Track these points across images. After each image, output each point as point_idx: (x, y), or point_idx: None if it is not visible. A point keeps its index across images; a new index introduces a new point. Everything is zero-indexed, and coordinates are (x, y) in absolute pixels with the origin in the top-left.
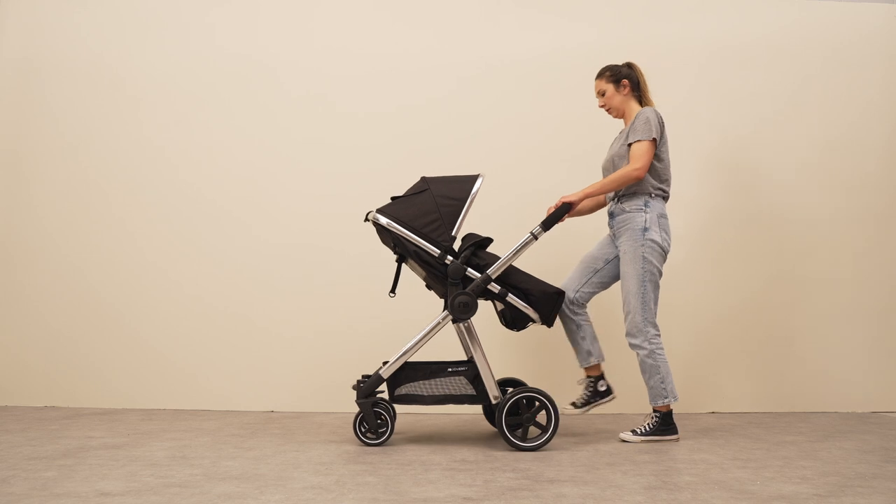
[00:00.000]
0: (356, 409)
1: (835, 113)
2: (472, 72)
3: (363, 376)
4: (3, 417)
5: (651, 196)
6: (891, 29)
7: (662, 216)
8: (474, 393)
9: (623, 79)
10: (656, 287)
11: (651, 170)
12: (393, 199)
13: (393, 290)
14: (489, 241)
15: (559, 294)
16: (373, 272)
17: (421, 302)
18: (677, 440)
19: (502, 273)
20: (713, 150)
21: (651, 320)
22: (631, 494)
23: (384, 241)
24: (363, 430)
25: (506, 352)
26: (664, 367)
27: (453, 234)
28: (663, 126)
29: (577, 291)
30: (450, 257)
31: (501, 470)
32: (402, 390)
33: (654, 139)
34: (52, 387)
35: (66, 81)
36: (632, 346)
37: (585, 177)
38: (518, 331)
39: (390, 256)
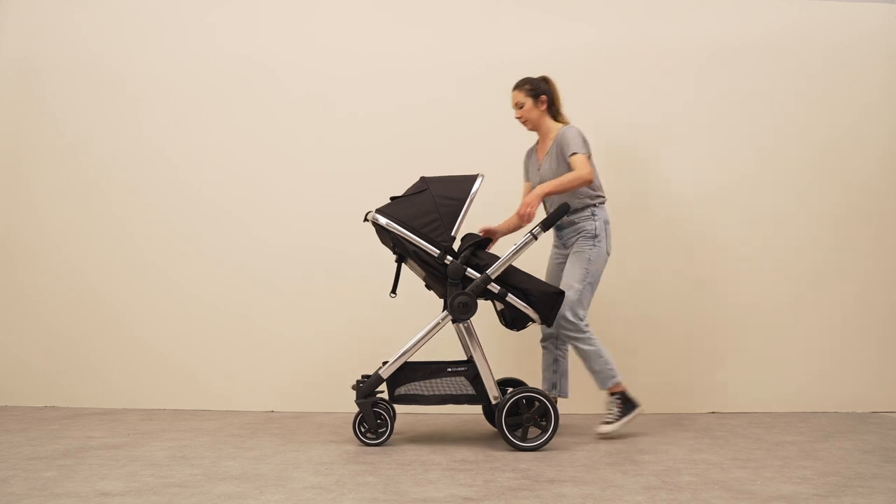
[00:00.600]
0: (356, 409)
1: (835, 113)
2: (472, 72)
3: (363, 376)
4: (3, 417)
5: (595, 205)
6: (891, 29)
7: (607, 222)
8: (474, 393)
9: (542, 94)
10: (593, 289)
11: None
12: (392, 199)
13: (393, 291)
14: (488, 240)
15: (559, 294)
16: (373, 272)
17: (421, 302)
18: (642, 410)
19: (502, 273)
20: (713, 150)
21: (578, 314)
22: (631, 494)
23: (383, 242)
24: (363, 430)
25: (506, 352)
26: (604, 350)
27: (452, 234)
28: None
29: None
30: (449, 257)
31: (501, 470)
32: (402, 390)
33: (589, 154)
34: (52, 387)
35: (66, 81)
36: (568, 338)
37: None
38: (518, 331)
39: (390, 257)
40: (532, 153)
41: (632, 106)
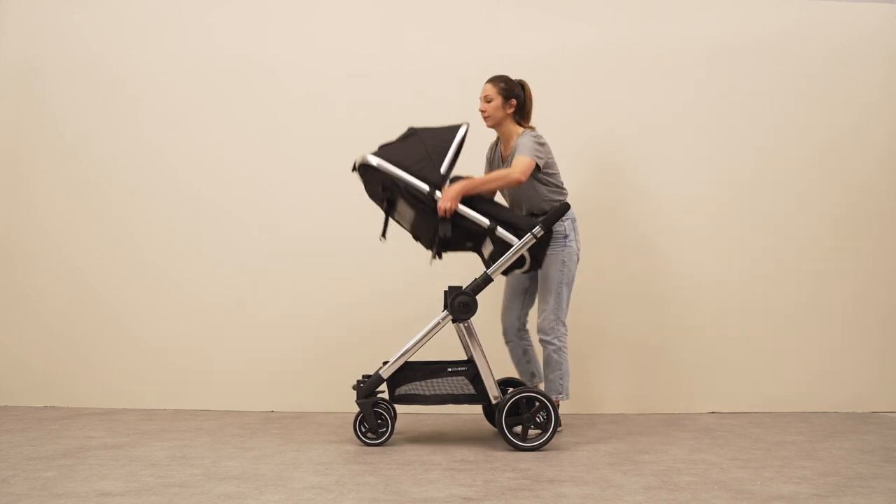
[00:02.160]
0: (356, 409)
1: (835, 113)
2: (472, 72)
3: (363, 376)
4: (3, 417)
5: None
6: (891, 29)
7: (575, 220)
8: (474, 393)
9: (513, 98)
10: (570, 290)
11: (550, 186)
12: (381, 147)
13: (383, 235)
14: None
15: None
16: (373, 272)
17: (421, 302)
18: (561, 431)
19: (492, 208)
20: (713, 150)
21: (562, 319)
22: (631, 494)
23: (371, 191)
24: (363, 430)
25: (506, 352)
26: (566, 366)
27: (443, 171)
28: (548, 147)
29: (521, 318)
30: (439, 192)
31: (501, 470)
32: (402, 390)
33: (538, 164)
34: (52, 387)
35: (66, 81)
36: (542, 341)
37: (585, 176)
38: (507, 274)
39: (390, 257)
40: (496, 148)
41: (632, 106)
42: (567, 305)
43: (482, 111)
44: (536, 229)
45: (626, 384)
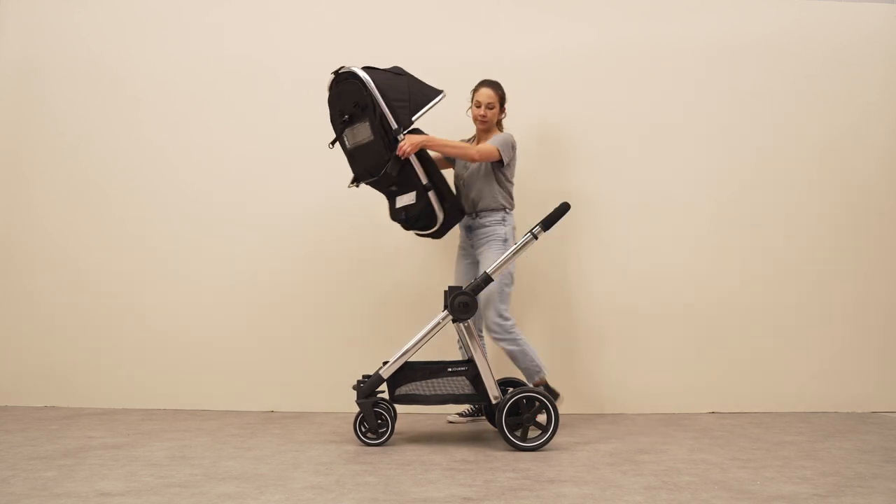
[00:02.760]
0: (356, 409)
1: (835, 113)
2: (473, 72)
3: (363, 376)
4: (3, 417)
5: (506, 211)
6: (891, 29)
7: (515, 228)
8: (474, 393)
9: (505, 102)
10: (510, 287)
11: (504, 189)
12: (367, 67)
13: (332, 144)
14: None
15: (461, 212)
16: (373, 272)
17: (421, 302)
18: (562, 400)
19: (436, 173)
20: (713, 150)
21: (504, 315)
22: (631, 494)
23: (339, 104)
24: (363, 430)
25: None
26: (528, 348)
27: (413, 119)
28: (516, 154)
29: (475, 323)
30: (404, 133)
31: (501, 470)
32: (403, 390)
33: (502, 160)
34: (52, 387)
35: (66, 81)
36: (496, 340)
37: (585, 176)
38: (409, 229)
39: (391, 257)
40: (471, 142)
41: (632, 106)
42: (507, 301)
43: (482, 116)
44: (536, 229)
45: (626, 384)
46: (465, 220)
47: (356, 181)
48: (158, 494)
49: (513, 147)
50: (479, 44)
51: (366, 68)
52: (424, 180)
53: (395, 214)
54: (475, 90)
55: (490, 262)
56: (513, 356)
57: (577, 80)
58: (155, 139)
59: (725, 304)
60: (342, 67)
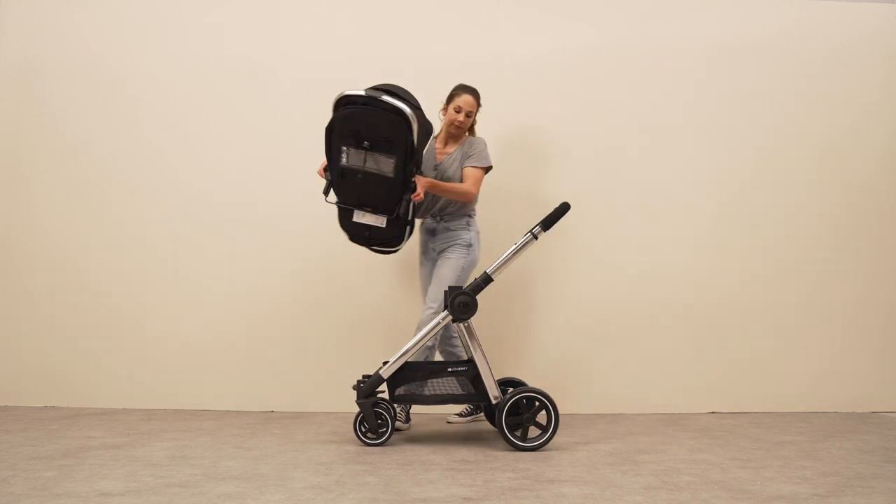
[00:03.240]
0: (356, 409)
1: (835, 113)
2: (473, 72)
3: (363, 376)
4: (3, 417)
5: (471, 216)
6: (891, 29)
7: (479, 233)
8: (474, 393)
9: (479, 107)
10: (464, 281)
11: None
12: (403, 99)
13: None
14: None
15: (412, 227)
16: (373, 272)
17: (421, 302)
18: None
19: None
20: (713, 150)
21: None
22: (631, 494)
23: (358, 126)
24: (363, 430)
25: (506, 352)
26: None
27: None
28: None
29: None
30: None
31: (501, 470)
32: (403, 390)
33: (487, 168)
34: (52, 387)
35: (66, 81)
36: (427, 309)
37: (585, 176)
38: (367, 246)
39: (391, 257)
40: (432, 140)
41: (631, 106)
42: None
43: (460, 122)
44: (536, 229)
45: (626, 384)
46: (429, 223)
47: (328, 194)
48: (158, 494)
49: (488, 155)
50: (479, 44)
51: (403, 99)
52: (410, 216)
53: (354, 228)
54: (455, 94)
55: (449, 267)
56: (421, 324)
57: (577, 80)
58: (155, 139)
59: (725, 304)
60: (380, 93)
